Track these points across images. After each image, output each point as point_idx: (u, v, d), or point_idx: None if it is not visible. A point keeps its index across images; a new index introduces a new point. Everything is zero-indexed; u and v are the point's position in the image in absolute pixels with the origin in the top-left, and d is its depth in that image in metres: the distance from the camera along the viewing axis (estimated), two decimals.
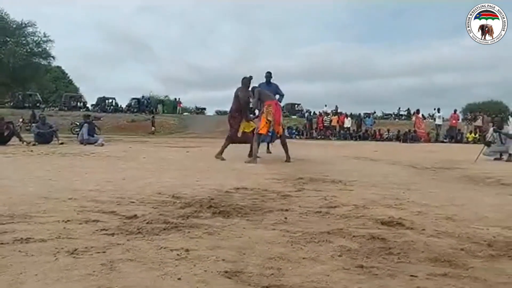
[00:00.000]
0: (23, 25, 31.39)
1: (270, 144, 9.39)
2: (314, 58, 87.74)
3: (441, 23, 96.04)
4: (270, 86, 8.89)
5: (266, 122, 7.26)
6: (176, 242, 2.20)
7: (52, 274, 1.68)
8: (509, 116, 9.69)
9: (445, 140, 24.50)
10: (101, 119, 24.07)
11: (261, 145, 8.20)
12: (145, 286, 1.59)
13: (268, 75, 9.09)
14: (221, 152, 7.86)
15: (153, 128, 29.19)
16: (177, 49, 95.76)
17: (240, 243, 2.21)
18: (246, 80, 7.86)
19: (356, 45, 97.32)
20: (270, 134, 8.16)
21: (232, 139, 7.97)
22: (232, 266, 1.84)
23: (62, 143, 11.99)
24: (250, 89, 7.86)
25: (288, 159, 7.64)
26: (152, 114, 32.94)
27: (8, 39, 30.89)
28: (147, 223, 2.60)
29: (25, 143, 11.24)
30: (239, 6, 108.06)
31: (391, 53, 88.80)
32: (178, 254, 1.98)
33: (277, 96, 8.81)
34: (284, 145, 7.81)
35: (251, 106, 7.97)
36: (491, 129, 9.84)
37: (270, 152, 9.28)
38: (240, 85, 7.87)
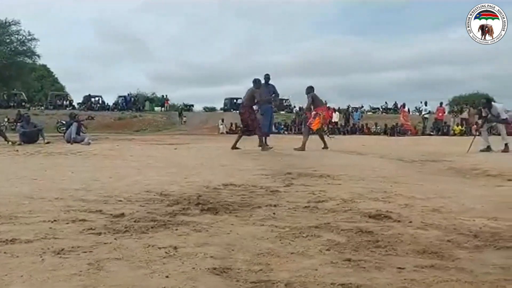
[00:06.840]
0: (7, 24, 30.84)
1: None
2: (305, 53, 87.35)
3: (433, 16, 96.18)
4: (268, 87, 10.05)
5: (320, 123, 9.61)
6: (164, 239, 2.19)
7: (38, 275, 1.66)
8: (492, 102, 9.77)
9: (432, 133, 24.77)
10: (94, 118, 23.77)
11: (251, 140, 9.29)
12: (132, 285, 1.57)
13: (267, 76, 10.19)
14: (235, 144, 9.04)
15: (184, 118, 31.24)
16: (171, 46, 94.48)
17: (228, 240, 2.21)
18: (259, 82, 9.31)
19: (349, 39, 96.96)
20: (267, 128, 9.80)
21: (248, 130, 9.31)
22: (220, 262, 1.83)
23: (48, 143, 11.81)
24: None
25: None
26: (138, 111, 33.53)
27: None
28: (135, 221, 2.58)
29: (10, 142, 11.08)
30: (238, 2, 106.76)
31: (384, 46, 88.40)
32: (166, 252, 1.97)
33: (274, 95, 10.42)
34: (322, 138, 10.35)
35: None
36: (481, 108, 9.86)
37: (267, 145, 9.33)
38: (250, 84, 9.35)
